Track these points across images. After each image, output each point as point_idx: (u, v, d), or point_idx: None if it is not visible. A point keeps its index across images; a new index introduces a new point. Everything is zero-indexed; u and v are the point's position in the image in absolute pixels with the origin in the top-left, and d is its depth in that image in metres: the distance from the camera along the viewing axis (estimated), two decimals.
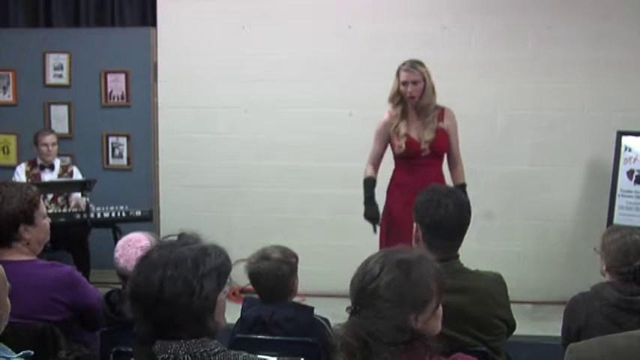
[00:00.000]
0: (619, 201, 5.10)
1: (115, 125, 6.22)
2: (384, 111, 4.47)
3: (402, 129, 4.35)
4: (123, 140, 6.24)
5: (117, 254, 2.85)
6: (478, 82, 5.58)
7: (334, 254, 5.55)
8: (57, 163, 5.77)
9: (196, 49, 5.87)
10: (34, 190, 2.85)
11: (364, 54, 5.65)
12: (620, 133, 5.16)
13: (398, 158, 4.43)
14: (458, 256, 2.69)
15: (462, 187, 4.28)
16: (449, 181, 4.45)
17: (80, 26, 6.35)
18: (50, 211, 4.95)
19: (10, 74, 6.29)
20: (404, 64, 4.35)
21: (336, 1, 5.79)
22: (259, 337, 2.80)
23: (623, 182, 5.11)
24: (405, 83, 4.32)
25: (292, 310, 2.89)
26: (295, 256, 3.00)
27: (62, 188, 5.71)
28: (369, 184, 4.44)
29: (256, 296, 2.98)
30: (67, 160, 6.01)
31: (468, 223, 2.68)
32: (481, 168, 5.40)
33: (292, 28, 5.79)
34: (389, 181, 4.48)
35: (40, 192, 2.95)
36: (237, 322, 2.93)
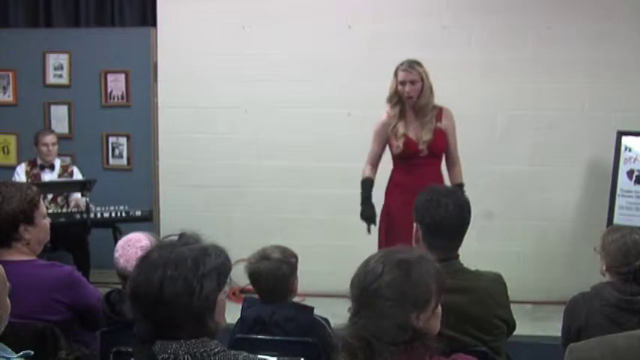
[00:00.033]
0: (619, 201, 5.10)
1: (115, 125, 6.22)
2: (383, 111, 4.47)
3: (400, 129, 4.35)
4: (123, 140, 6.24)
5: (117, 254, 2.85)
6: (478, 82, 5.58)
7: (334, 254, 5.55)
8: (57, 163, 5.77)
9: (196, 49, 5.87)
10: (34, 190, 2.85)
11: (364, 54, 5.65)
12: (620, 133, 5.16)
13: (396, 158, 4.43)
14: (458, 256, 2.69)
15: (459, 186, 4.29)
16: (448, 181, 4.46)
17: (80, 26, 6.35)
18: (50, 211, 4.95)
19: (10, 74, 6.29)
20: (402, 64, 4.36)
21: (336, 1, 5.79)
22: (259, 337, 2.80)
23: (623, 182, 5.11)
24: (403, 83, 4.32)
25: (292, 310, 2.89)
26: (295, 256, 3.00)
27: (62, 188, 5.71)
28: (367, 184, 4.45)
29: (256, 296, 2.98)
30: (67, 160, 6.01)
31: (468, 223, 2.68)
32: (481, 168, 5.40)
33: (292, 28, 5.79)
34: (387, 181, 4.48)
35: (40, 192, 2.95)
36: (237, 322, 2.93)
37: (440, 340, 1.83)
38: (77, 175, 5.81)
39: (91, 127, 6.20)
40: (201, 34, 5.88)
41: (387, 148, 4.48)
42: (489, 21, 5.59)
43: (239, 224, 5.86)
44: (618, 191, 5.12)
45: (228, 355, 1.78)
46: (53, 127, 6.06)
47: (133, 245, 2.82)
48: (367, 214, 4.40)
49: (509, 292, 2.71)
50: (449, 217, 2.62)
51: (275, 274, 2.88)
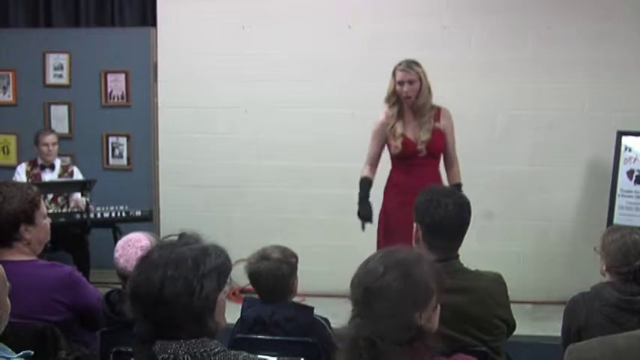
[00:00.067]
0: (619, 201, 5.10)
1: (115, 125, 6.22)
2: (383, 111, 4.47)
3: (399, 129, 4.35)
4: (123, 140, 6.24)
5: (117, 254, 2.85)
6: (478, 82, 5.58)
7: (334, 254, 5.55)
8: (57, 163, 5.77)
9: (196, 49, 5.87)
10: (34, 190, 2.86)
11: (364, 54, 5.66)
12: (620, 133, 5.16)
13: (394, 158, 4.43)
14: (458, 256, 2.69)
15: (457, 187, 4.28)
16: (446, 181, 4.46)
17: (80, 26, 6.35)
18: (50, 211, 4.95)
19: (10, 74, 6.29)
20: (400, 64, 4.35)
21: (336, 1, 5.79)
22: (259, 337, 2.80)
23: (623, 182, 5.11)
24: (401, 83, 4.32)
25: (292, 310, 2.89)
26: (295, 256, 3.00)
27: (62, 188, 5.71)
28: (365, 184, 4.43)
29: (256, 296, 2.98)
30: (68, 160, 6.01)
31: (468, 223, 2.68)
32: (481, 168, 5.40)
33: (292, 28, 5.79)
34: (386, 181, 4.48)
35: (41, 192, 2.95)
36: (237, 322, 2.93)
37: (440, 340, 1.83)
38: (77, 175, 5.81)
39: (91, 127, 6.20)
40: (201, 34, 5.89)
41: (386, 148, 4.47)
42: (489, 21, 5.59)
43: (239, 224, 5.86)
44: (618, 191, 5.12)
45: (228, 355, 1.78)
46: (53, 127, 6.06)
47: (133, 245, 2.82)
48: (364, 214, 4.39)
49: (509, 292, 2.71)
50: (449, 217, 2.62)
51: (275, 274, 2.88)
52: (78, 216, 5.35)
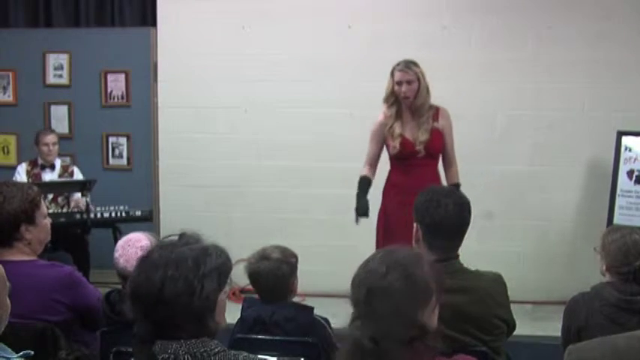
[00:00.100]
0: (619, 201, 5.10)
1: (115, 125, 6.22)
2: (382, 111, 4.47)
3: (397, 129, 4.35)
4: (123, 140, 6.24)
5: (117, 254, 2.85)
6: (478, 82, 5.58)
7: (334, 254, 5.55)
8: (58, 163, 5.77)
9: (196, 49, 5.87)
10: (35, 190, 2.86)
11: (364, 54, 5.65)
12: (620, 133, 5.16)
13: (393, 159, 4.42)
14: (458, 256, 2.70)
15: (456, 186, 4.28)
16: (445, 181, 4.45)
17: (80, 26, 6.35)
18: (50, 211, 4.95)
19: (10, 74, 6.29)
20: (398, 64, 4.35)
21: (336, 1, 5.79)
22: (259, 337, 2.80)
23: (623, 182, 5.11)
24: (399, 83, 4.31)
25: (292, 310, 2.89)
26: (295, 256, 3.00)
27: (62, 188, 5.71)
28: (364, 182, 4.39)
29: (256, 296, 2.98)
30: (68, 160, 6.01)
31: (468, 223, 2.68)
32: (481, 168, 5.41)
33: (292, 28, 5.79)
34: (385, 181, 4.48)
35: (41, 192, 2.95)
36: (237, 322, 2.93)
37: (441, 340, 1.83)
38: (77, 175, 5.81)
39: (91, 127, 6.20)
40: (201, 34, 5.89)
41: (385, 148, 4.47)
42: (489, 21, 5.59)
43: (239, 224, 5.86)
44: (618, 191, 5.12)
45: (228, 355, 1.78)
46: (53, 127, 6.06)
47: (133, 245, 2.82)
48: (360, 208, 4.33)
49: (509, 292, 2.71)
50: (449, 217, 2.62)
51: (275, 274, 2.89)
52: (78, 216, 5.35)
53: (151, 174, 6.14)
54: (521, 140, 5.63)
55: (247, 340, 2.77)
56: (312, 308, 2.95)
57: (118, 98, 6.20)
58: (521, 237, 5.64)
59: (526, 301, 5.28)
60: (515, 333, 2.79)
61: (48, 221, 2.92)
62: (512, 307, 2.74)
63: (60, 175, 5.74)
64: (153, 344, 1.75)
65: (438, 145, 4.38)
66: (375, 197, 4.46)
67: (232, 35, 5.85)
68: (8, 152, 6.35)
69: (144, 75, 6.07)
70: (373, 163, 4.47)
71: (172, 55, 5.92)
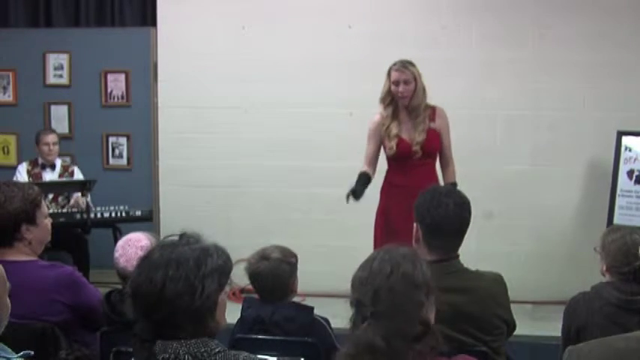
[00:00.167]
0: (619, 201, 5.10)
1: (115, 125, 6.22)
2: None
3: (394, 129, 4.34)
4: (123, 140, 6.24)
5: (117, 254, 2.85)
6: (478, 82, 5.58)
7: (334, 254, 5.54)
8: (58, 162, 5.78)
9: (196, 49, 5.87)
10: (35, 190, 2.86)
11: (364, 54, 5.65)
12: (620, 133, 5.16)
13: (390, 159, 4.42)
14: (458, 256, 2.70)
15: (452, 186, 4.27)
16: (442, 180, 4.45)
17: (80, 26, 6.35)
18: (50, 211, 4.95)
19: (10, 74, 6.29)
20: (394, 64, 4.34)
21: (336, 1, 5.79)
22: (259, 337, 2.80)
23: (623, 182, 5.11)
24: (396, 83, 4.30)
25: (292, 310, 2.89)
26: (295, 256, 3.00)
27: (62, 188, 5.72)
28: (363, 177, 4.30)
29: (256, 296, 2.98)
30: (68, 160, 6.01)
31: (468, 223, 2.68)
32: (481, 168, 5.40)
33: (292, 28, 5.79)
34: (382, 181, 4.48)
35: (42, 192, 2.95)
36: (237, 322, 2.93)
37: (442, 340, 1.84)
38: (78, 175, 5.81)
39: (91, 127, 6.20)
40: (201, 34, 5.88)
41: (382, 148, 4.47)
42: (489, 21, 5.59)
43: (239, 224, 5.85)
44: (618, 191, 5.12)
45: (228, 355, 1.78)
46: (53, 127, 6.06)
47: (133, 245, 2.83)
48: (356, 189, 4.20)
49: (509, 292, 2.71)
50: (449, 217, 2.62)
51: (275, 274, 2.89)
52: (78, 216, 5.35)
53: (151, 174, 6.14)
54: (521, 140, 5.63)
55: (247, 340, 2.77)
56: (312, 308, 2.94)
57: (118, 98, 6.20)
58: (521, 237, 5.63)
59: (526, 301, 5.28)
60: (515, 333, 2.79)
61: (48, 221, 2.92)
62: (512, 307, 2.74)
63: (60, 175, 5.75)
64: (153, 344, 1.75)
65: (435, 145, 4.37)
66: (373, 197, 4.46)
67: (232, 35, 5.85)
68: (8, 152, 6.36)
69: (144, 75, 6.07)
70: (372, 162, 4.46)
71: (172, 55, 5.92)
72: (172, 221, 5.68)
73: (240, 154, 5.91)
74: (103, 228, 5.43)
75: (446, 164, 4.46)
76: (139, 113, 6.14)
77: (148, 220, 5.53)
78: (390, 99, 4.36)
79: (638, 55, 5.45)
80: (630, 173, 5.11)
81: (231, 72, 5.83)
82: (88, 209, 5.31)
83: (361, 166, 4.48)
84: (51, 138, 5.67)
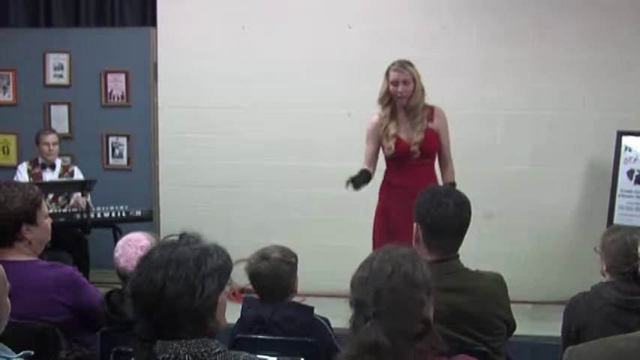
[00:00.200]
0: (619, 201, 5.10)
1: (115, 125, 6.22)
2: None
3: (392, 130, 4.33)
4: (123, 140, 6.24)
5: (117, 254, 2.85)
6: (478, 82, 5.58)
7: (334, 254, 5.54)
8: (58, 162, 5.78)
9: (196, 49, 5.86)
10: (36, 190, 2.86)
11: (364, 54, 5.65)
12: (620, 133, 5.16)
13: (389, 159, 4.42)
14: (458, 256, 2.70)
15: (451, 186, 4.26)
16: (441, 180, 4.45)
17: (80, 26, 6.35)
18: (50, 211, 4.95)
19: (10, 74, 6.29)
20: (393, 64, 4.34)
21: (336, 1, 5.79)
22: (259, 337, 2.80)
23: (623, 182, 5.11)
24: (395, 83, 4.30)
25: (292, 310, 2.89)
26: (295, 256, 3.00)
27: (62, 188, 5.72)
28: (364, 172, 4.28)
29: (256, 296, 2.98)
30: (68, 160, 6.02)
31: (468, 223, 2.68)
32: (481, 168, 5.40)
33: (292, 28, 5.79)
34: (381, 181, 4.48)
35: (42, 192, 2.96)
36: (237, 322, 2.93)
37: (442, 340, 1.84)
38: (78, 175, 5.81)
39: (91, 127, 6.20)
40: (201, 34, 5.88)
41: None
42: (489, 21, 5.59)
43: (239, 224, 5.85)
44: (618, 191, 5.12)
45: (228, 355, 1.78)
46: (53, 127, 6.06)
47: (133, 245, 2.83)
48: (358, 179, 4.20)
49: (509, 292, 2.71)
50: (449, 217, 2.62)
51: (275, 273, 2.89)
52: (78, 216, 5.36)
53: (151, 174, 6.14)
54: (522, 140, 5.63)
55: (247, 340, 2.77)
56: (312, 308, 2.94)
57: (118, 98, 6.21)
58: (521, 237, 5.63)
59: (526, 301, 5.28)
60: (515, 333, 2.79)
61: (49, 221, 2.93)
62: (512, 307, 2.74)
63: (60, 175, 5.75)
64: (153, 344, 1.75)
65: (434, 145, 4.36)
66: (372, 198, 4.46)
67: (232, 35, 5.85)
68: (8, 152, 6.36)
69: (144, 75, 6.07)
70: (372, 162, 4.45)
71: (172, 55, 5.91)
72: (172, 221, 5.68)
73: (240, 154, 5.91)
74: (103, 228, 5.43)
75: (445, 164, 4.46)
76: (139, 113, 6.14)
77: (148, 220, 5.53)
78: (389, 99, 4.36)
79: (638, 55, 5.45)
80: (630, 173, 5.11)
81: (231, 72, 5.83)
82: (88, 209, 5.31)
83: (361, 166, 4.48)
84: (51, 138, 5.67)
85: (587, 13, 5.48)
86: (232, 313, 2.23)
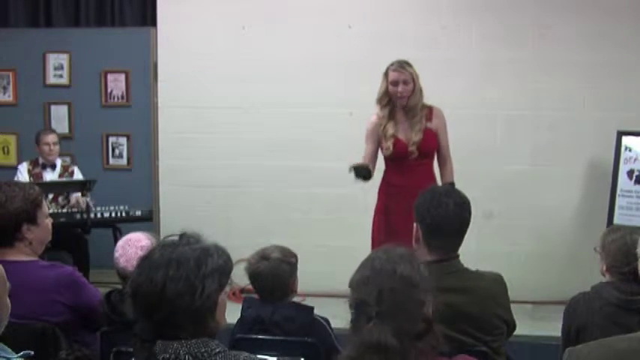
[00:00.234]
0: (619, 201, 5.10)
1: (115, 125, 6.22)
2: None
3: (390, 130, 4.34)
4: (123, 140, 6.24)
5: (117, 254, 2.85)
6: (478, 82, 5.58)
7: (334, 254, 5.54)
8: (58, 162, 5.78)
9: (196, 49, 5.87)
10: (36, 190, 2.86)
11: (364, 54, 5.65)
12: (620, 133, 5.16)
13: (388, 159, 4.42)
14: (458, 256, 2.70)
15: (450, 185, 4.27)
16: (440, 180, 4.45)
17: (80, 26, 6.35)
18: (50, 211, 4.95)
19: (10, 74, 6.29)
20: (392, 64, 4.34)
21: (336, 1, 5.79)
22: (259, 337, 2.80)
23: (623, 182, 5.11)
24: (395, 83, 4.30)
25: (292, 310, 2.89)
26: (295, 256, 3.00)
27: (63, 188, 5.72)
28: (367, 166, 4.25)
29: (256, 296, 2.98)
30: (68, 160, 6.02)
31: (468, 223, 2.68)
32: (481, 168, 5.40)
33: (292, 28, 5.79)
34: (380, 181, 4.48)
35: (42, 192, 2.96)
36: (237, 322, 2.93)
37: (442, 340, 1.84)
38: (78, 175, 5.81)
39: (91, 127, 6.20)
40: (201, 34, 5.88)
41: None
42: (489, 21, 5.59)
43: (239, 224, 5.85)
44: (618, 191, 5.12)
45: (228, 355, 1.78)
46: (53, 127, 6.06)
47: (133, 245, 2.83)
48: (361, 169, 4.18)
49: (509, 292, 2.71)
50: (449, 217, 2.62)
51: (275, 273, 2.89)
52: (78, 216, 5.36)
53: (151, 174, 6.14)
54: (522, 140, 5.63)
55: (247, 340, 2.77)
56: (312, 308, 2.94)
57: (118, 98, 6.21)
58: (521, 237, 5.63)
59: (526, 301, 5.28)
60: (515, 333, 2.79)
61: (49, 221, 2.93)
62: (512, 307, 2.74)
63: (60, 175, 5.75)
64: (153, 344, 1.75)
65: (432, 145, 4.36)
66: (371, 198, 4.46)
67: (232, 35, 5.85)
68: (8, 152, 6.36)
69: (144, 75, 6.07)
70: (371, 161, 4.44)
71: (172, 55, 5.91)
72: (172, 221, 5.68)
73: (240, 154, 5.91)
74: (103, 228, 5.43)
75: (444, 164, 4.46)
76: (139, 113, 6.14)
77: (148, 220, 5.53)
78: (387, 99, 4.36)
79: (638, 55, 5.45)
80: (630, 173, 5.11)
81: (231, 72, 5.83)
82: (88, 209, 5.31)
83: None
84: (51, 138, 5.67)
85: (587, 13, 5.48)
86: (232, 313, 2.24)
